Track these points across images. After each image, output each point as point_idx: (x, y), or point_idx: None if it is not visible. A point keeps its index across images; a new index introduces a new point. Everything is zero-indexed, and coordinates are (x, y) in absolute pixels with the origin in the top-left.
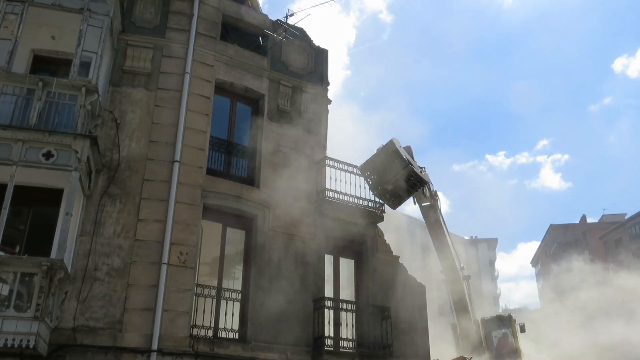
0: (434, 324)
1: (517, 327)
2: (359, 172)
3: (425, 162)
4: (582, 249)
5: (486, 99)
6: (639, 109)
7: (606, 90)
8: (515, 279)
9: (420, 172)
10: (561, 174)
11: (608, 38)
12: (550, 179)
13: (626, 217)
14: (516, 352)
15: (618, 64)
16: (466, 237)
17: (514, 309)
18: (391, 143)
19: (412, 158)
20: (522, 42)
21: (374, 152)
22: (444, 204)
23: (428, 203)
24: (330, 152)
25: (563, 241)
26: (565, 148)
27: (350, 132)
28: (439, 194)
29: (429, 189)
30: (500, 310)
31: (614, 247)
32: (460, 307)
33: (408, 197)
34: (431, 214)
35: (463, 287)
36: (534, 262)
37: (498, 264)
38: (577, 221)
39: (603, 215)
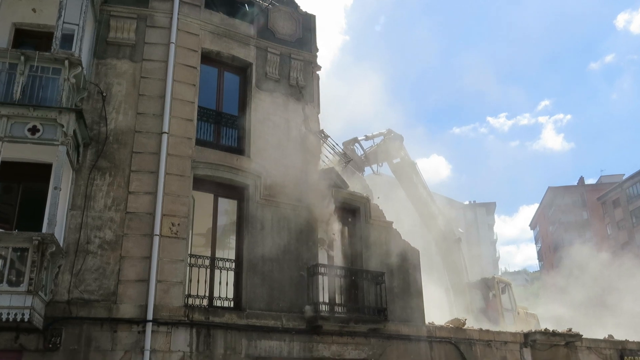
0: (433, 287)
1: (500, 289)
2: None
3: (425, 124)
4: (580, 211)
5: (487, 58)
6: None
7: (607, 47)
8: (516, 242)
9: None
10: (563, 134)
11: None
12: (552, 140)
13: (624, 178)
14: (500, 312)
15: (621, 20)
16: (465, 202)
17: (513, 271)
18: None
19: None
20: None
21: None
22: (445, 168)
23: (398, 160)
24: (324, 117)
25: (561, 203)
26: (567, 108)
27: (346, 98)
28: (439, 158)
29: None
30: (499, 273)
31: (612, 208)
32: (452, 269)
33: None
34: (402, 172)
35: (453, 249)
36: (533, 225)
37: (499, 228)
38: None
39: (601, 177)
